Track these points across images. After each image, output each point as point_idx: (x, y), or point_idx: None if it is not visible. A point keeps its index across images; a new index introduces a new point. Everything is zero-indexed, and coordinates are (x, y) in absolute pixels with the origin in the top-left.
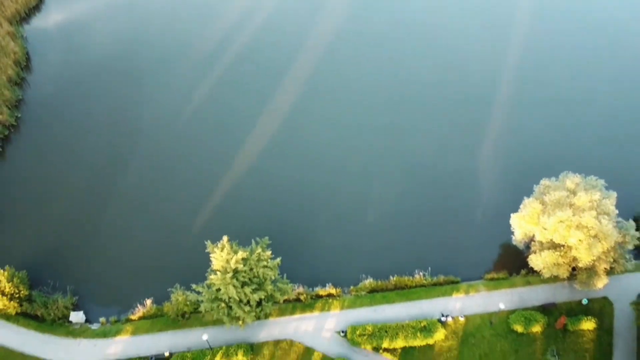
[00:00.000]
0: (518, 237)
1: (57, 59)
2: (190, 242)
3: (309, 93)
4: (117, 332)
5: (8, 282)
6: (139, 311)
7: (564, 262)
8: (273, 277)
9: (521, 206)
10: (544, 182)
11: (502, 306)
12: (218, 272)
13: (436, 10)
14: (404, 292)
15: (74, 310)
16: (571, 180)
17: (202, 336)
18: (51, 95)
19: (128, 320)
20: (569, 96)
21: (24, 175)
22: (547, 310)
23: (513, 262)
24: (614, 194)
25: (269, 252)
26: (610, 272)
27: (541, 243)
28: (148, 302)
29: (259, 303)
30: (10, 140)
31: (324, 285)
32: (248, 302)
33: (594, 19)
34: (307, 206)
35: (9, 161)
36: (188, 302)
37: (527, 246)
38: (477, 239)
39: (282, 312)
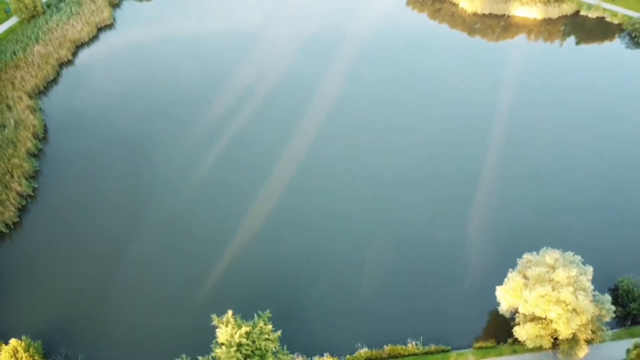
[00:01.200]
0: (504, 307)
1: (72, 130)
2: (195, 312)
3: (304, 172)
4: None
5: (25, 352)
6: None
7: (545, 334)
8: (274, 349)
9: (505, 279)
10: (526, 256)
11: None
12: (223, 346)
13: (422, 94)
14: None
15: None
16: (550, 256)
17: None
18: (66, 165)
19: None
20: (552, 173)
21: (40, 244)
22: None
23: (501, 330)
24: (590, 269)
25: (270, 326)
26: (590, 341)
27: (524, 315)
28: None
29: None
30: (27, 209)
31: (321, 354)
32: None
33: (576, 100)
34: (304, 277)
35: (25, 230)
36: None
37: (513, 315)
38: (467, 307)
39: None
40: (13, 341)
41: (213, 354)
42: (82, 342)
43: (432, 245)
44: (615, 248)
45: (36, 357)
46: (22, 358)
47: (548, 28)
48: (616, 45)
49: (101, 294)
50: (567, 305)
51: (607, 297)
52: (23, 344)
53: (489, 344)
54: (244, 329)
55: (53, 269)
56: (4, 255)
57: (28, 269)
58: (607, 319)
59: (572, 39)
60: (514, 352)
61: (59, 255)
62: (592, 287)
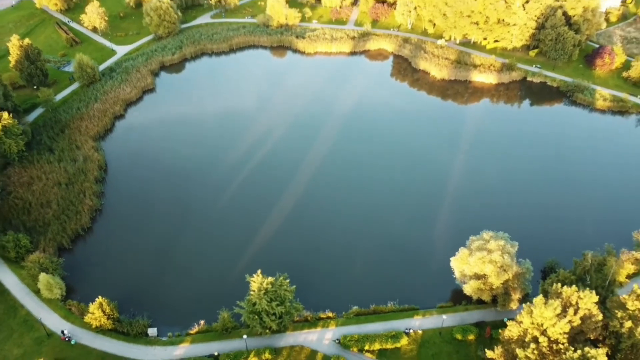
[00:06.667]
0: (457, 276)
1: (126, 164)
2: (231, 278)
3: (310, 190)
4: (180, 342)
5: (107, 306)
6: (196, 328)
7: (485, 288)
8: (290, 298)
9: (457, 253)
10: (472, 238)
11: (447, 323)
12: (254, 291)
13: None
14: (379, 315)
15: (149, 327)
16: (487, 234)
17: (241, 342)
18: (123, 188)
19: (188, 334)
20: (504, 182)
21: (108, 242)
22: (479, 325)
23: (457, 295)
24: (516, 244)
25: (287, 281)
26: (523, 299)
27: (469, 276)
28: (202, 322)
29: (281, 316)
30: (96, 220)
31: (324, 311)
32: (274, 314)
33: (526, 142)
34: (312, 258)
35: (96, 233)
36: (231, 320)
37: (464, 283)
38: (433, 280)
39: (295, 328)
40: (99, 298)
41: (248, 297)
42: (145, 303)
43: (407, 235)
44: (547, 240)
45: (114, 312)
46: (105, 309)
47: (503, 91)
48: (558, 103)
49: (158, 271)
50: (496, 263)
51: (528, 261)
52: (105, 301)
53: (448, 304)
54: (270, 279)
55: (120, 258)
56: (83, 251)
57: (102, 258)
58: (528, 276)
59: (525, 100)
60: (466, 309)
61: (124, 248)
62: (515, 251)
